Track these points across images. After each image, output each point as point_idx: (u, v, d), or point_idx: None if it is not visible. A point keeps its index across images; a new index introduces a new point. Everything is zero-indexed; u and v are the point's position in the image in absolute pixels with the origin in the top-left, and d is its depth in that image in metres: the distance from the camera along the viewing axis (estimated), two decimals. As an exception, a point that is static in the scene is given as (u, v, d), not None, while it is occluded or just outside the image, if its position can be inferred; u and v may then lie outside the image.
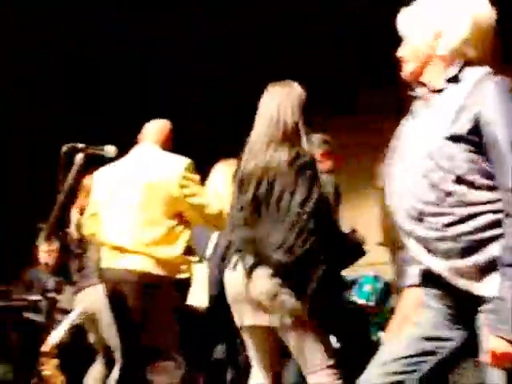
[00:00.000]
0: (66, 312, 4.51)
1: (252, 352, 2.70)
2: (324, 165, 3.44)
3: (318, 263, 2.50)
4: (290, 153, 2.54)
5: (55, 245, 5.45)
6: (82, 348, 4.11)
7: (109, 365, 3.91)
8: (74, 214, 4.11)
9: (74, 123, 6.57)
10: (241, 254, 2.56)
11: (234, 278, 2.59)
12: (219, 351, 3.56)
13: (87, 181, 4.00)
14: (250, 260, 2.52)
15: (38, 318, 5.11)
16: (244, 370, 2.97)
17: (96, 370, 4.02)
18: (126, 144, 3.42)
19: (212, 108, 6.81)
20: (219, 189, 3.51)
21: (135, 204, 3.21)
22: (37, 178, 6.14)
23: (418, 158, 1.93)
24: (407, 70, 2.05)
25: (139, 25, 6.23)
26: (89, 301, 3.74)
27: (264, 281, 2.51)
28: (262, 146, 2.61)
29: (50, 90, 6.51)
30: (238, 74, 6.39)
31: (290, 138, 2.59)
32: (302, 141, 2.60)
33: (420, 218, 1.90)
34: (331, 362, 2.55)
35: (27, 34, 6.16)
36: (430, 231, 1.89)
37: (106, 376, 3.88)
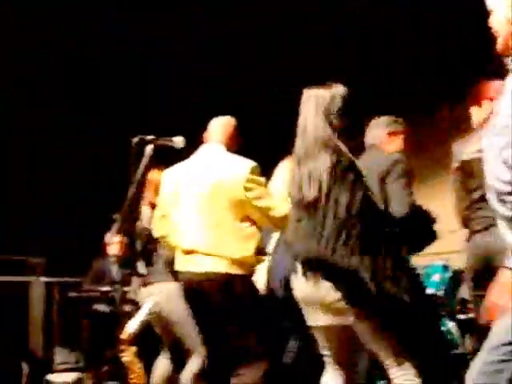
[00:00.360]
0: (134, 303, 4.60)
1: (325, 351, 2.70)
2: (393, 145, 3.40)
3: (375, 261, 2.48)
4: (331, 159, 2.54)
5: (124, 237, 5.55)
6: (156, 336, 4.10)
7: (175, 360, 3.92)
8: (145, 210, 4.06)
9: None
10: (307, 264, 2.57)
11: (301, 284, 2.61)
12: (291, 347, 3.55)
13: (153, 175, 3.94)
14: (315, 270, 2.53)
15: (107, 308, 5.40)
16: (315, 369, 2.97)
17: (161, 364, 3.98)
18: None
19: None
20: (282, 187, 3.43)
21: (203, 206, 3.19)
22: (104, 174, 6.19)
23: (494, 135, 1.88)
24: (498, 44, 2.02)
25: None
26: (157, 298, 3.69)
27: (330, 288, 2.51)
28: (306, 155, 2.63)
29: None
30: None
31: (327, 145, 2.58)
32: (339, 145, 2.59)
33: (500, 197, 1.84)
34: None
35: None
36: (508, 211, 1.83)
37: (173, 370, 3.87)
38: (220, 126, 3.40)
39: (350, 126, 2.67)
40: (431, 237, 3.18)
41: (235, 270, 3.14)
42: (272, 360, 3.21)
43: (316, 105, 2.65)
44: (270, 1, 5.89)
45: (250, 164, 3.23)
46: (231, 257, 3.13)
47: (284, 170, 3.63)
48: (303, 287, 2.61)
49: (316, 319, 2.63)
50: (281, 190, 3.45)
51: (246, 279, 3.21)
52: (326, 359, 2.73)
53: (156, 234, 3.51)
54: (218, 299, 3.14)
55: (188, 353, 3.75)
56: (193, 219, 3.22)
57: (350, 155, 2.61)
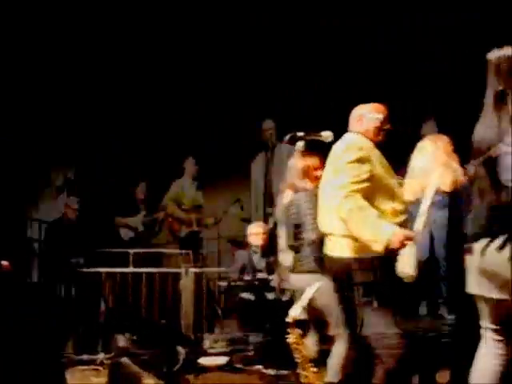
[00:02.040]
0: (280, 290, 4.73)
1: (490, 324, 2.69)
2: None
3: None
4: None
5: (265, 227, 5.88)
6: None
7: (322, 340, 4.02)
8: (287, 193, 4.13)
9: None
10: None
11: (476, 252, 2.60)
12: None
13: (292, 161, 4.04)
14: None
15: (252, 296, 5.72)
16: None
17: (310, 343, 4.03)
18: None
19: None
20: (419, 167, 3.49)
21: (324, 191, 3.29)
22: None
23: None
24: None
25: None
26: (306, 281, 3.62)
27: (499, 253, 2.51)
28: None
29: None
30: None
31: None
32: None
33: None
34: None
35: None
36: None
37: (321, 350, 3.96)
38: (353, 115, 3.31)
39: None
40: None
41: (362, 253, 3.04)
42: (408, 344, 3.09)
43: None
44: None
45: (347, 140, 3.18)
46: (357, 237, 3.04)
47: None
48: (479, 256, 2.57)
49: (489, 291, 2.58)
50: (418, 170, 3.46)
51: (379, 259, 3.05)
52: (485, 333, 2.69)
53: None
54: (355, 281, 3.09)
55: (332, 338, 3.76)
56: (322, 204, 3.34)
57: None
